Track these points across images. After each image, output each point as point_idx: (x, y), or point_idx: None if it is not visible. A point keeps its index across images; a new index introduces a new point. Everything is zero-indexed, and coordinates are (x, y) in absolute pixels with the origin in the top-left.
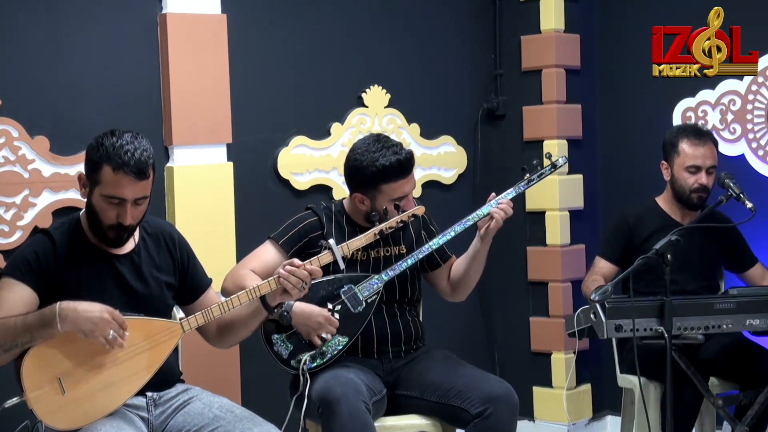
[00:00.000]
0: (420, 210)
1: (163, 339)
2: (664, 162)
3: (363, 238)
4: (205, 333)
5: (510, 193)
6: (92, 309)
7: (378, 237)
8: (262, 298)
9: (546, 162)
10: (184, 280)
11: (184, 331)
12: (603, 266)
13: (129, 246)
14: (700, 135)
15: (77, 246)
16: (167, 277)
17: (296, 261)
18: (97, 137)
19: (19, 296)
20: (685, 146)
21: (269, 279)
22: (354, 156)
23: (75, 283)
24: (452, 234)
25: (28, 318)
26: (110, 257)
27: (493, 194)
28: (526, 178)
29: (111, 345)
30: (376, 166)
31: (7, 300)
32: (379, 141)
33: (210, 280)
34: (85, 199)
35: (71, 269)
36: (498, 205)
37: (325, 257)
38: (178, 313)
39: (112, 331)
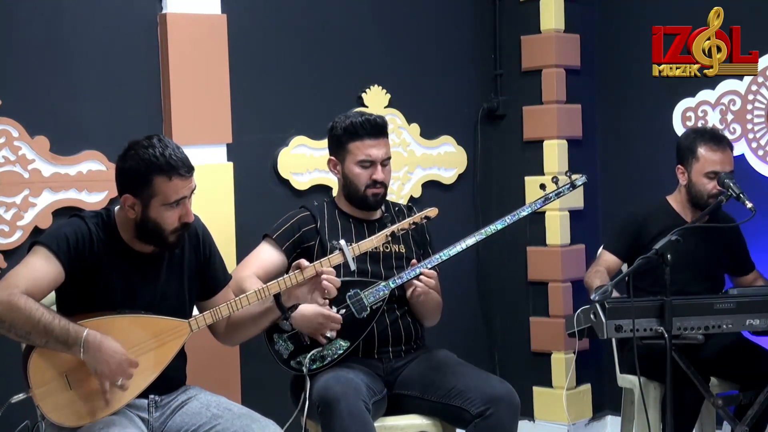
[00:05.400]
0: (433, 212)
1: (171, 338)
2: (680, 166)
3: (374, 239)
4: (214, 330)
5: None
6: (114, 354)
7: (389, 239)
8: (276, 298)
9: (564, 180)
10: (204, 276)
11: (191, 330)
12: (608, 258)
13: None
14: (719, 140)
15: (110, 241)
16: (190, 276)
17: (304, 262)
18: (128, 154)
19: (49, 270)
20: (704, 152)
21: (279, 279)
22: (333, 120)
23: (103, 277)
24: (464, 246)
25: (53, 325)
26: (140, 256)
27: (414, 261)
28: (542, 196)
29: (110, 390)
30: (345, 123)
31: (37, 269)
32: (359, 111)
33: (229, 277)
34: (137, 217)
35: (103, 263)
36: (421, 275)
37: (335, 258)
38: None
39: (121, 380)
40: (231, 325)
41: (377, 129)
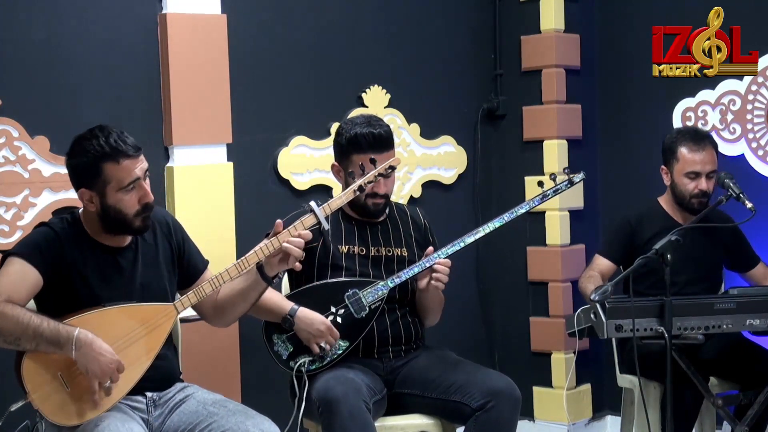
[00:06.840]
0: (396, 161)
1: (159, 322)
2: (663, 167)
3: (343, 196)
4: (202, 313)
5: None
6: (104, 353)
7: (358, 193)
8: (260, 270)
9: (562, 177)
10: (181, 263)
11: (178, 311)
12: (601, 263)
13: (128, 238)
14: (699, 140)
15: (79, 240)
16: (166, 265)
17: (279, 223)
18: (74, 150)
19: (26, 276)
20: (684, 152)
21: (256, 248)
22: (341, 124)
23: (80, 275)
24: (462, 244)
25: (42, 327)
26: (111, 250)
27: (431, 248)
28: (540, 193)
29: (98, 390)
30: (350, 134)
31: (15, 277)
32: (368, 118)
33: (207, 262)
34: (98, 209)
35: (76, 262)
36: (437, 264)
37: (309, 220)
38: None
39: (110, 382)
40: (219, 305)
41: (382, 143)
